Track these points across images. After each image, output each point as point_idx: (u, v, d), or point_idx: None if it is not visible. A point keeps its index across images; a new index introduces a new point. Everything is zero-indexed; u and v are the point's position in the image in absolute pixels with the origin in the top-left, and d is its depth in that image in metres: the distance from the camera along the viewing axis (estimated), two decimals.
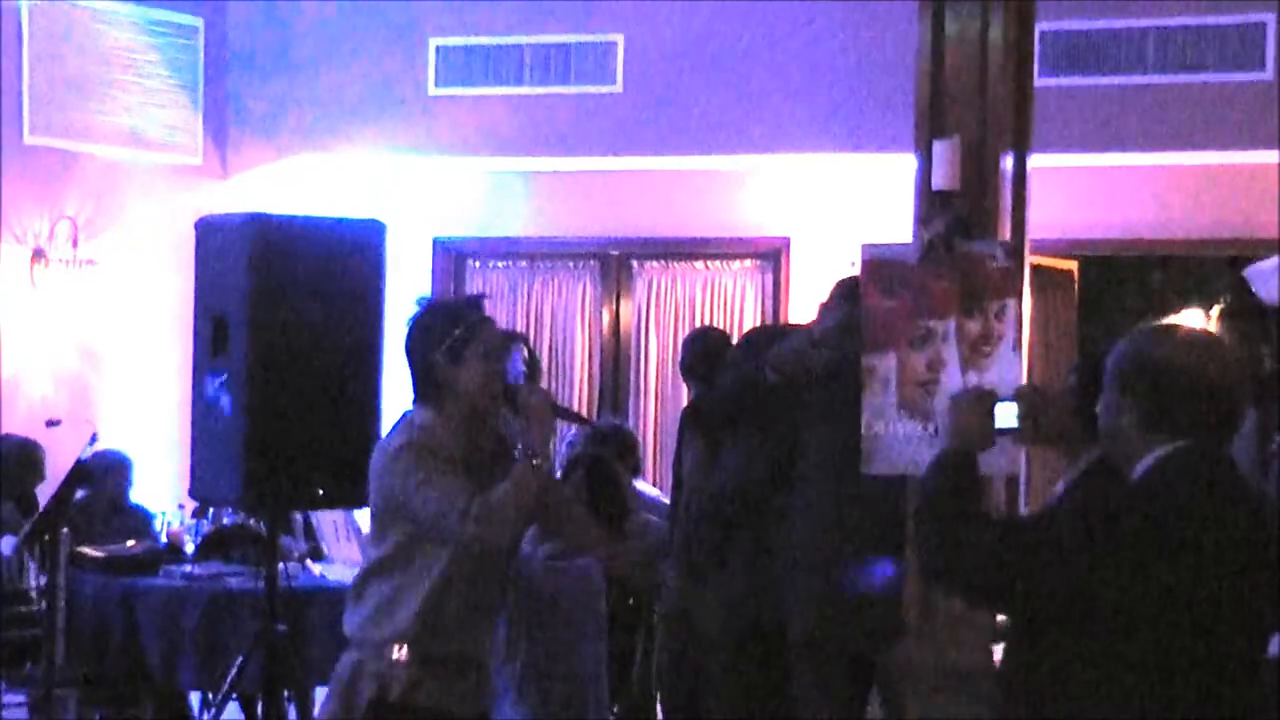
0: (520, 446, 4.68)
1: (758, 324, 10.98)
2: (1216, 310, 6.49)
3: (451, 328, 4.67)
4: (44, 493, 8.00)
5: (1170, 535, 3.27)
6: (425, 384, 4.71)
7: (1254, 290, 6.58)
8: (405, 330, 4.75)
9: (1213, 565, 3.28)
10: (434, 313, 4.83)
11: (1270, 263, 6.86)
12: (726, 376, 6.18)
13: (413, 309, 4.79)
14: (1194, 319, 5.57)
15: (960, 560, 3.39)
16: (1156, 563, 3.25)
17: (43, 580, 7.68)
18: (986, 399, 3.71)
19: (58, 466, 8.12)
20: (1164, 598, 3.25)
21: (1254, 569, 3.34)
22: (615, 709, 7.49)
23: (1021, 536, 3.41)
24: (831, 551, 5.83)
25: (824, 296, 6.23)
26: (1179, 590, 3.26)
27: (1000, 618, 4.97)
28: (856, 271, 6.08)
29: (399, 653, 4.61)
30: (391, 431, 4.78)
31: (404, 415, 4.75)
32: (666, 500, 7.78)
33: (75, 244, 10.52)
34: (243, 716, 7.12)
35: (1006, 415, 3.68)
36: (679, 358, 8.09)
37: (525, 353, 6.75)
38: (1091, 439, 3.66)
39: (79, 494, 7.65)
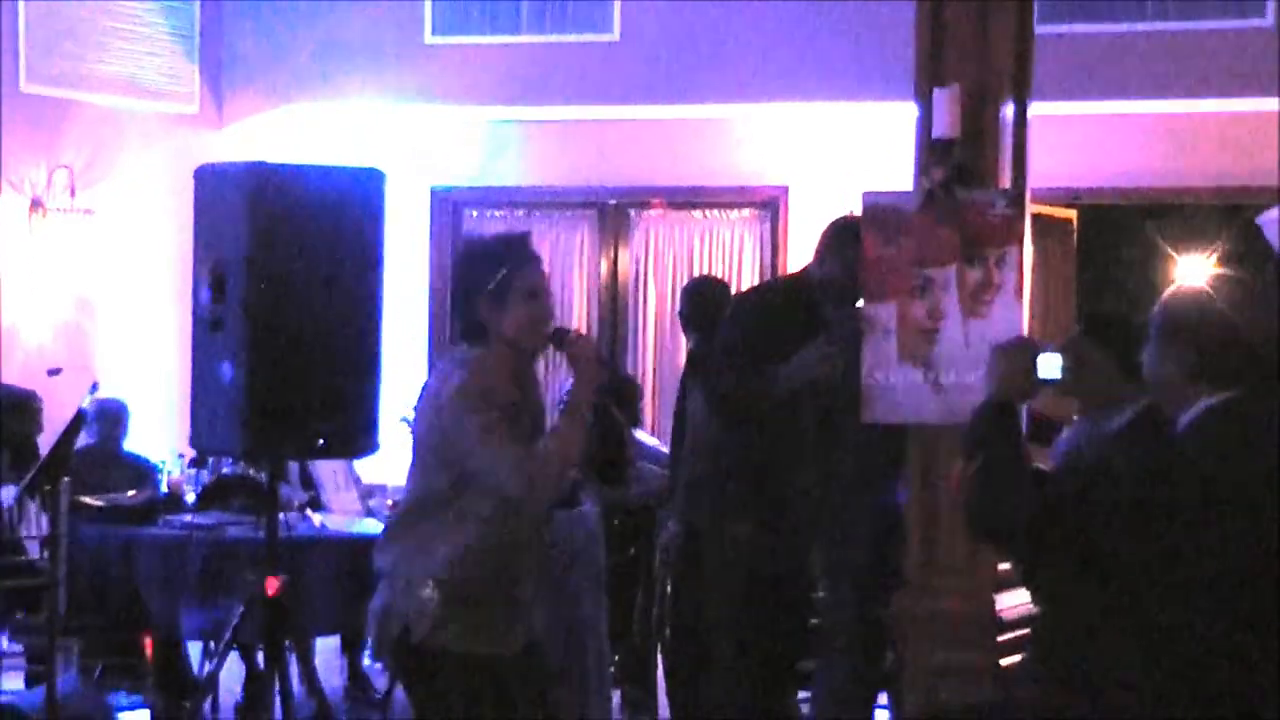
0: (566, 398, 4.65)
1: (755, 273, 10.98)
2: (1215, 258, 6.48)
3: (495, 269, 4.63)
4: (44, 443, 8.00)
5: (1219, 485, 3.27)
6: (471, 325, 4.69)
7: (1266, 238, 6.56)
8: (453, 269, 4.70)
9: (1261, 515, 3.28)
10: (477, 253, 4.80)
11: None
12: (729, 375, 6.14)
13: (460, 248, 4.77)
14: (1195, 268, 5.57)
15: (1004, 513, 3.39)
16: (1205, 513, 3.25)
17: (43, 529, 7.68)
18: (1030, 349, 3.71)
19: (58, 416, 8.12)
20: (1213, 547, 3.26)
21: None
22: (616, 658, 7.51)
23: (1066, 488, 3.41)
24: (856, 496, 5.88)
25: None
26: (1228, 539, 3.26)
27: (1003, 566, 4.97)
28: (848, 212, 6.14)
29: (428, 590, 4.60)
30: (444, 368, 4.72)
31: (451, 354, 4.72)
32: (665, 449, 7.79)
33: (73, 193, 10.51)
34: (243, 665, 7.14)
35: (1050, 366, 3.69)
36: (677, 307, 8.09)
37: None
38: (1131, 391, 3.67)
39: (79, 443, 7.65)
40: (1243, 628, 3.30)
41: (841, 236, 6.14)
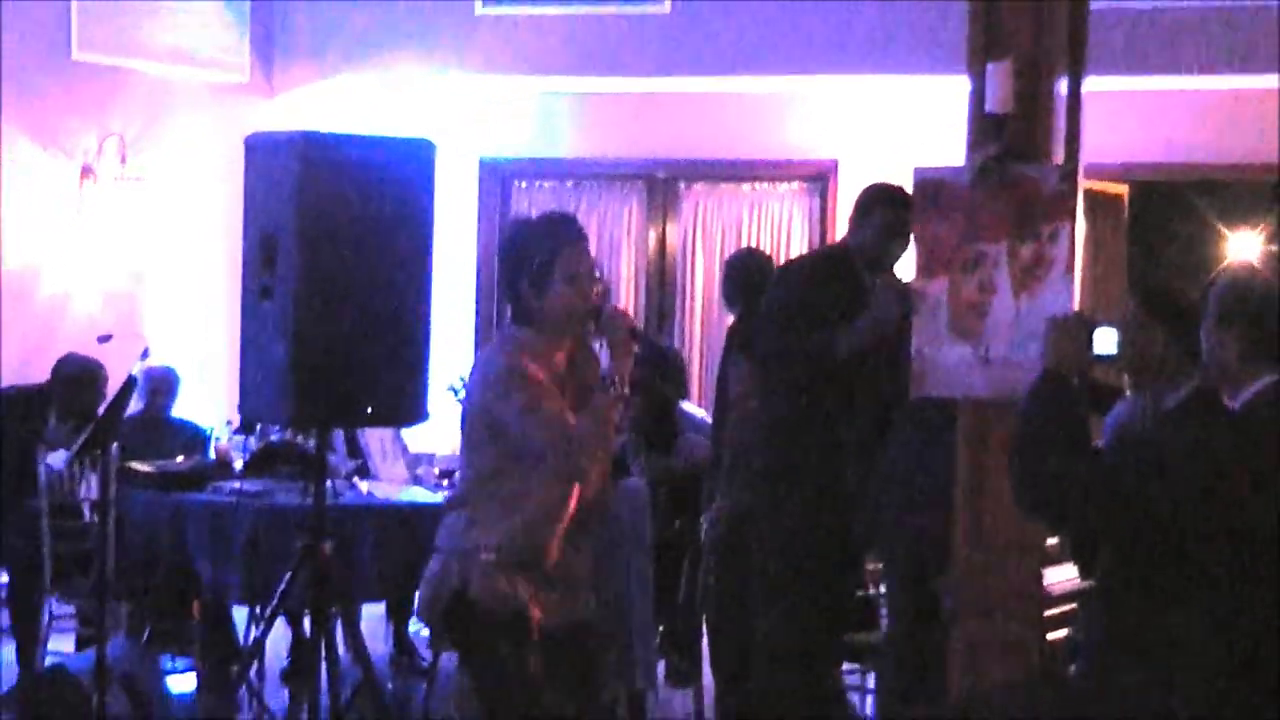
0: (604, 374, 4.75)
1: (804, 247, 10.96)
2: (1266, 234, 6.42)
3: (537, 252, 4.71)
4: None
5: (1273, 464, 3.25)
6: (517, 305, 4.77)
7: None
8: (499, 248, 4.80)
9: None
10: (522, 234, 4.87)
11: None
12: (785, 335, 6.17)
13: (506, 227, 4.86)
14: (1246, 244, 5.53)
15: (1056, 491, 3.38)
16: (1260, 493, 3.24)
17: (94, 494, 7.74)
18: (1086, 323, 3.70)
19: (109, 382, 8.18)
20: (1267, 526, 3.24)
21: None
22: (661, 628, 7.53)
23: (1120, 467, 3.39)
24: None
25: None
26: None
27: (1052, 541, 4.96)
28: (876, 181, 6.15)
29: (486, 554, 4.67)
30: (491, 349, 4.85)
31: (500, 334, 4.78)
32: (710, 420, 7.79)
33: (123, 160, 10.55)
34: (290, 631, 7.18)
35: (1106, 341, 3.67)
36: (720, 280, 8.08)
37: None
38: (1187, 369, 3.66)
39: (131, 410, 7.69)
40: None
41: (868, 204, 6.23)
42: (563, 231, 4.77)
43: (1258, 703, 3.29)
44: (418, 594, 4.92)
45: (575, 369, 4.81)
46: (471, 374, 4.83)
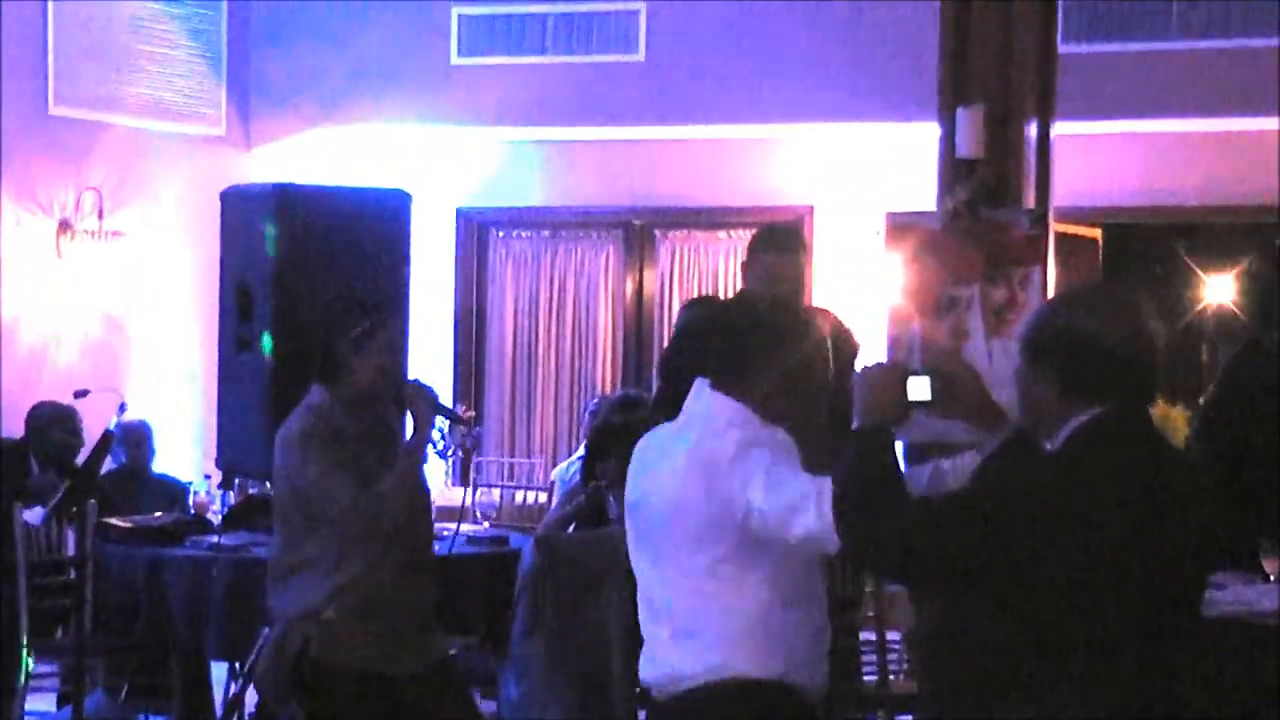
0: (408, 438, 5.00)
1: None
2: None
3: (361, 317, 4.87)
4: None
5: (1092, 502, 3.23)
6: (326, 362, 4.91)
7: None
8: (321, 307, 4.91)
9: (1137, 529, 3.23)
10: (347, 298, 5.07)
11: None
12: None
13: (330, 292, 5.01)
14: (1223, 287, 5.55)
15: (880, 539, 3.34)
16: (1080, 531, 3.21)
17: (73, 550, 7.70)
18: (898, 372, 3.63)
19: (86, 437, 8.15)
20: (1091, 565, 3.22)
21: (1179, 532, 3.28)
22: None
23: (942, 513, 3.35)
24: None
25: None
26: (1106, 556, 3.22)
27: None
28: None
29: (328, 612, 4.81)
30: (292, 416, 4.98)
31: (307, 396, 4.95)
32: None
33: (101, 215, 10.55)
34: None
35: (920, 389, 3.61)
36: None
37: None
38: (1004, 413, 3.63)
39: (110, 465, 7.67)
40: (1118, 640, 3.27)
41: (751, 250, 5.94)
42: (386, 304, 4.96)
43: None
44: (254, 664, 4.99)
45: (369, 432, 4.95)
46: (276, 445, 4.96)
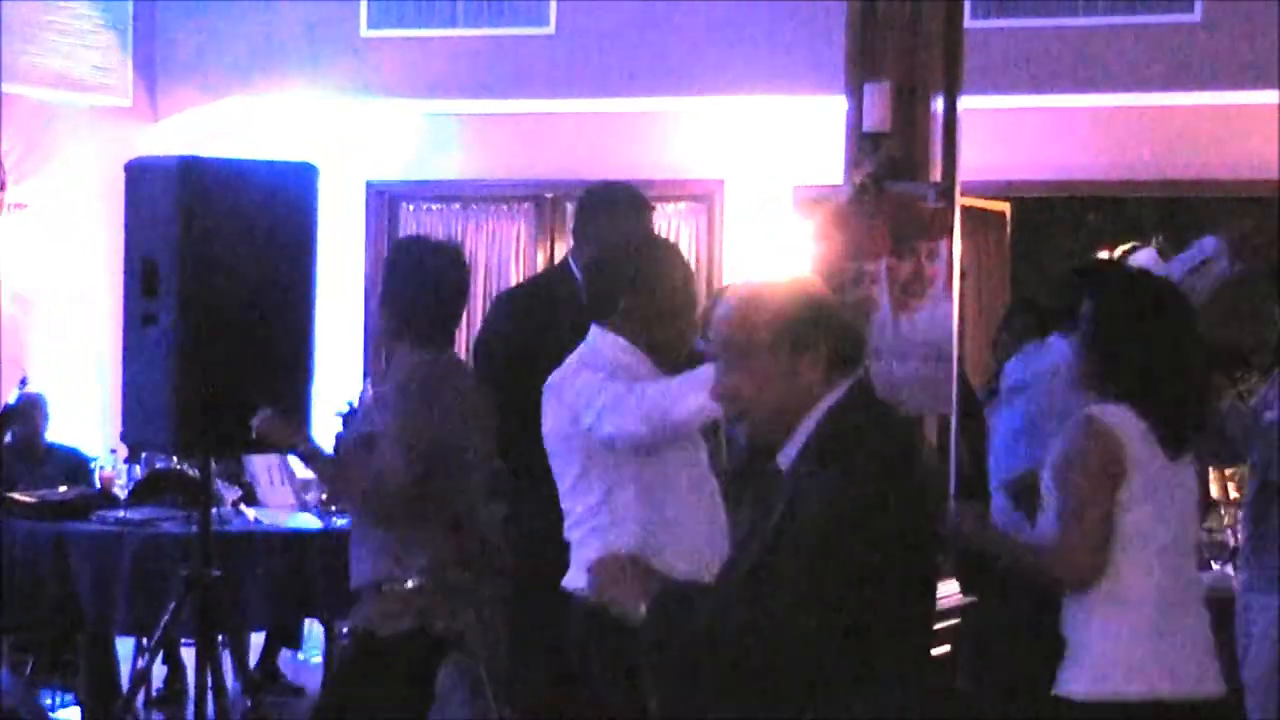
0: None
1: (692, 266, 10.98)
2: (1155, 245, 6.36)
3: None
4: None
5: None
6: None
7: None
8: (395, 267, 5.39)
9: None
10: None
11: None
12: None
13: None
14: (1145, 257, 5.53)
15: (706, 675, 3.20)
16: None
17: None
18: (636, 563, 3.41)
19: None
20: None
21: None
22: None
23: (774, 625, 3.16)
24: None
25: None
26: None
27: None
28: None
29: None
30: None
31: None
32: None
33: (4, 187, 10.42)
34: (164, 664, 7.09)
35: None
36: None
37: None
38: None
39: (7, 438, 7.60)
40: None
41: (586, 212, 5.81)
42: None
43: None
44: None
45: None
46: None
